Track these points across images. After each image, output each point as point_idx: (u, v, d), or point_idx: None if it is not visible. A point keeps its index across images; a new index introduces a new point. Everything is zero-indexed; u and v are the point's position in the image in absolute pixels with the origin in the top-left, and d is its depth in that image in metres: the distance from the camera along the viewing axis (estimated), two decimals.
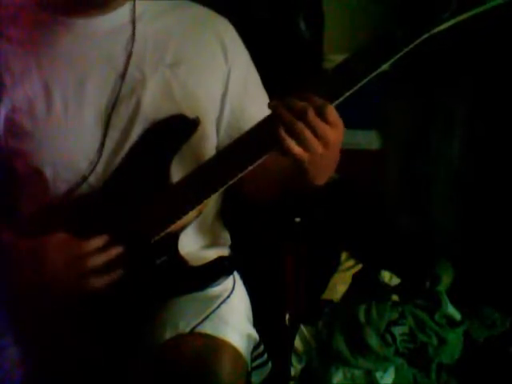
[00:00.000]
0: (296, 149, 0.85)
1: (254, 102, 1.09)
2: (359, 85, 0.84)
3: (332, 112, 0.84)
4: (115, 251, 0.96)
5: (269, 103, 0.88)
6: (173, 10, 1.08)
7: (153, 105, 1.01)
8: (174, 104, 1.01)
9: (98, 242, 0.96)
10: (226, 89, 1.08)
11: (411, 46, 0.83)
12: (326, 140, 0.85)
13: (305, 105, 0.83)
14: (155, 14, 1.06)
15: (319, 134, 0.84)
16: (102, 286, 0.96)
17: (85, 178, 1.01)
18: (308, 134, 0.84)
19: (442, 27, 0.82)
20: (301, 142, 0.84)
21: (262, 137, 0.89)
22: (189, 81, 1.04)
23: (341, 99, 0.86)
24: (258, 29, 1.63)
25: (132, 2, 1.03)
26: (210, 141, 1.07)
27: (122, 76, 1.01)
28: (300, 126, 0.83)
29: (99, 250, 0.96)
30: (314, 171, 0.90)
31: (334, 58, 1.81)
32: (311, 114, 0.83)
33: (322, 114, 0.84)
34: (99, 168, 1.01)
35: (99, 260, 0.96)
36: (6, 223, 1.04)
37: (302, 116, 0.83)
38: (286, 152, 0.86)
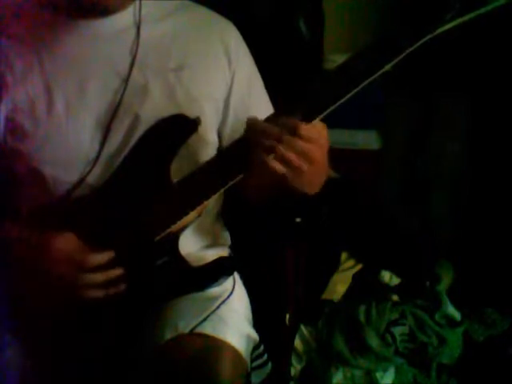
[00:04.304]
0: (280, 169, 0.86)
1: (258, 106, 1.09)
2: (361, 86, 0.84)
3: (305, 129, 0.86)
4: (116, 273, 0.96)
5: (245, 130, 0.90)
6: (176, 12, 1.08)
7: (155, 109, 1.01)
8: (176, 108, 1.01)
9: (101, 258, 0.96)
10: (230, 93, 1.08)
11: (414, 46, 0.82)
12: (309, 156, 0.86)
13: (278, 129, 0.85)
14: (158, 17, 1.06)
15: (300, 152, 0.86)
16: (94, 299, 0.96)
17: (83, 179, 1.00)
18: (289, 154, 0.85)
19: (445, 28, 0.82)
20: (285, 163, 0.86)
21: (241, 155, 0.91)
22: (192, 85, 1.04)
23: (343, 100, 0.86)
24: (258, 29, 1.63)
25: (135, 5, 1.02)
26: (210, 145, 1.07)
27: (126, 80, 1.01)
28: (280, 148, 0.85)
29: (101, 268, 0.95)
30: (303, 185, 0.91)
31: (334, 58, 1.81)
32: (286, 136, 0.85)
33: (296, 134, 0.85)
34: (98, 169, 1.01)
35: (98, 278, 0.95)
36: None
37: (279, 140, 0.85)
38: (270, 172, 0.87)
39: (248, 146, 0.89)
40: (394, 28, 0.85)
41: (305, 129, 0.86)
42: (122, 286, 0.97)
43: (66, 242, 0.96)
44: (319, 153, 0.88)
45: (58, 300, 0.98)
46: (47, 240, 0.96)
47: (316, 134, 0.87)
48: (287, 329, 1.32)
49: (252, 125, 0.88)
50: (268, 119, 0.89)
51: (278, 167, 0.86)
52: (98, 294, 0.96)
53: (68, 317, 0.99)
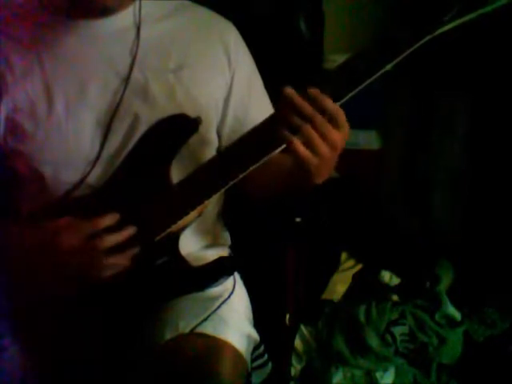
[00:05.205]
0: (303, 151, 0.84)
1: (257, 106, 1.09)
2: (362, 86, 0.84)
3: (343, 117, 0.84)
4: (128, 232, 0.94)
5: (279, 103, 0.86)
6: (176, 13, 1.08)
7: (155, 109, 1.01)
8: (176, 108, 1.01)
9: (109, 219, 0.94)
10: (230, 93, 1.08)
11: (414, 47, 0.82)
12: (334, 144, 0.84)
13: (313, 111, 0.82)
14: (158, 17, 1.06)
15: (328, 139, 0.83)
16: (118, 267, 0.94)
17: (83, 179, 1.00)
18: (317, 138, 0.83)
19: (446, 28, 0.81)
20: (309, 145, 0.83)
21: (265, 137, 0.88)
22: (192, 85, 1.04)
23: (344, 100, 0.85)
24: (258, 29, 1.63)
25: (135, 5, 1.02)
26: (210, 145, 1.08)
27: (126, 79, 1.01)
28: (310, 131, 0.83)
29: (112, 229, 0.93)
30: (316, 171, 0.89)
31: (334, 58, 1.81)
32: (320, 120, 0.82)
33: (333, 120, 0.83)
34: (98, 169, 1.01)
35: (113, 239, 0.93)
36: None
37: (311, 121, 0.82)
38: (292, 153, 0.85)
39: (273, 125, 0.86)
40: (394, 28, 0.84)
41: (343, 117, 0.84)
42: (137, 248, 0.95)
43: (66, 222, 0.93)
44: (343, 141, 0.86)
45: (75, 284, 0.96)
46: (48, 230, 0.94)
47: (346, 123, 0.85)
48: (287, 329, 1.32)
49: (288, 97, 0.83)
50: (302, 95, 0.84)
51: (301, 149, 0.83)
52: (118, 260, 0.93)
53: (70, 315, 0.99)
